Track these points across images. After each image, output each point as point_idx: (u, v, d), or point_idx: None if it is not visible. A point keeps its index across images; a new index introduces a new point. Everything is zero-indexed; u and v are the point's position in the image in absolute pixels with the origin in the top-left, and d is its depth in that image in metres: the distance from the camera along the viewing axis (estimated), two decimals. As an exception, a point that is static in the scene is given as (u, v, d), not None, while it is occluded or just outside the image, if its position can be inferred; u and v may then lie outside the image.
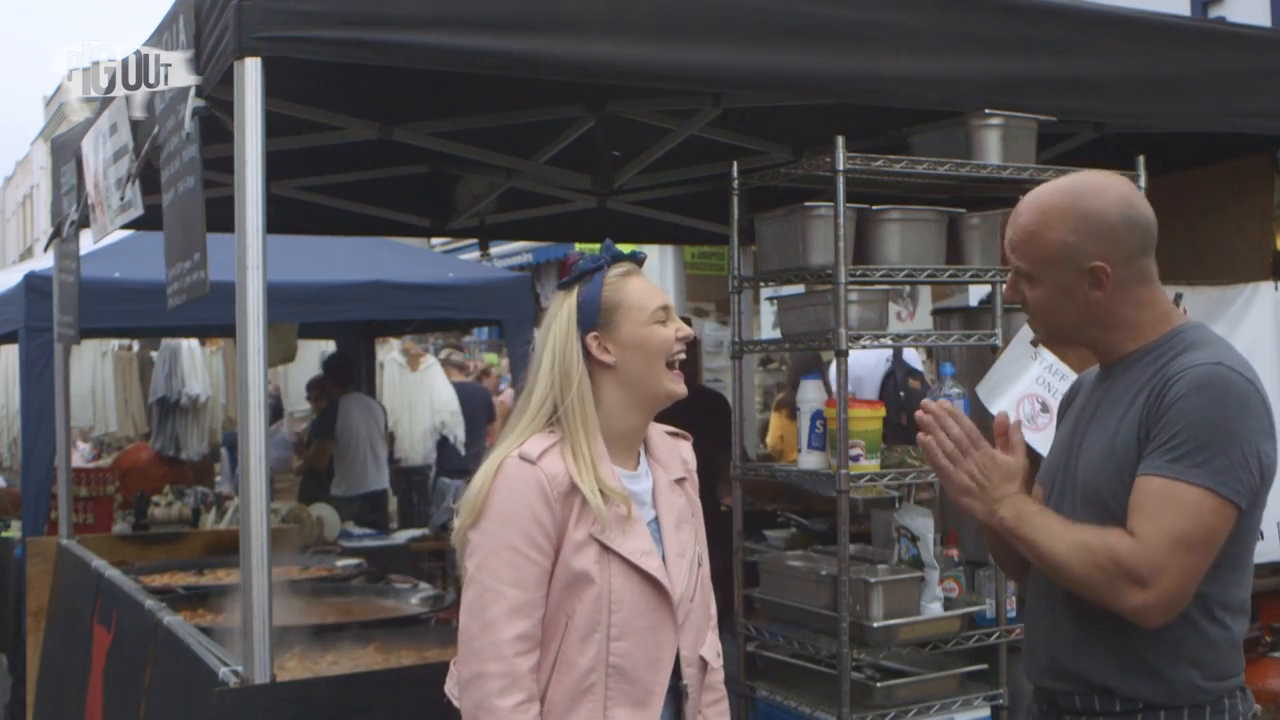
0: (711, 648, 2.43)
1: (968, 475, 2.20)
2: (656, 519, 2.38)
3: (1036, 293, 2.23)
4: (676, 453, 2.49)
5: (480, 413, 10.82)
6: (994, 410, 3.48)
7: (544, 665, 2.24)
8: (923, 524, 3.41)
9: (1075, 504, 2.20)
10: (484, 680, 2.18)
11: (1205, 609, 2.11)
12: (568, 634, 2.24)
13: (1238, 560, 2.14)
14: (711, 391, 5.99)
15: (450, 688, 2.35)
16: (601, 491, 2.26)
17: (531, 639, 2.22)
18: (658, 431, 2.49)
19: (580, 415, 2.31)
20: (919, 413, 2.26)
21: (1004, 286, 2.31)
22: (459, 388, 11.10)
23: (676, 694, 2.35)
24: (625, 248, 2.45)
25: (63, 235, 5.16)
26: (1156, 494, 2.05)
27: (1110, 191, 2.21)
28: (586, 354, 2.34)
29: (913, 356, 7.18)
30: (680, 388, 2.38)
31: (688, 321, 5.89)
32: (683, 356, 2.39)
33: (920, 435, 2.25)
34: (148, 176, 3.66)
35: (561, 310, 2.38)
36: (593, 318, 2.34)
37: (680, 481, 2.46)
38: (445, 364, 11.42)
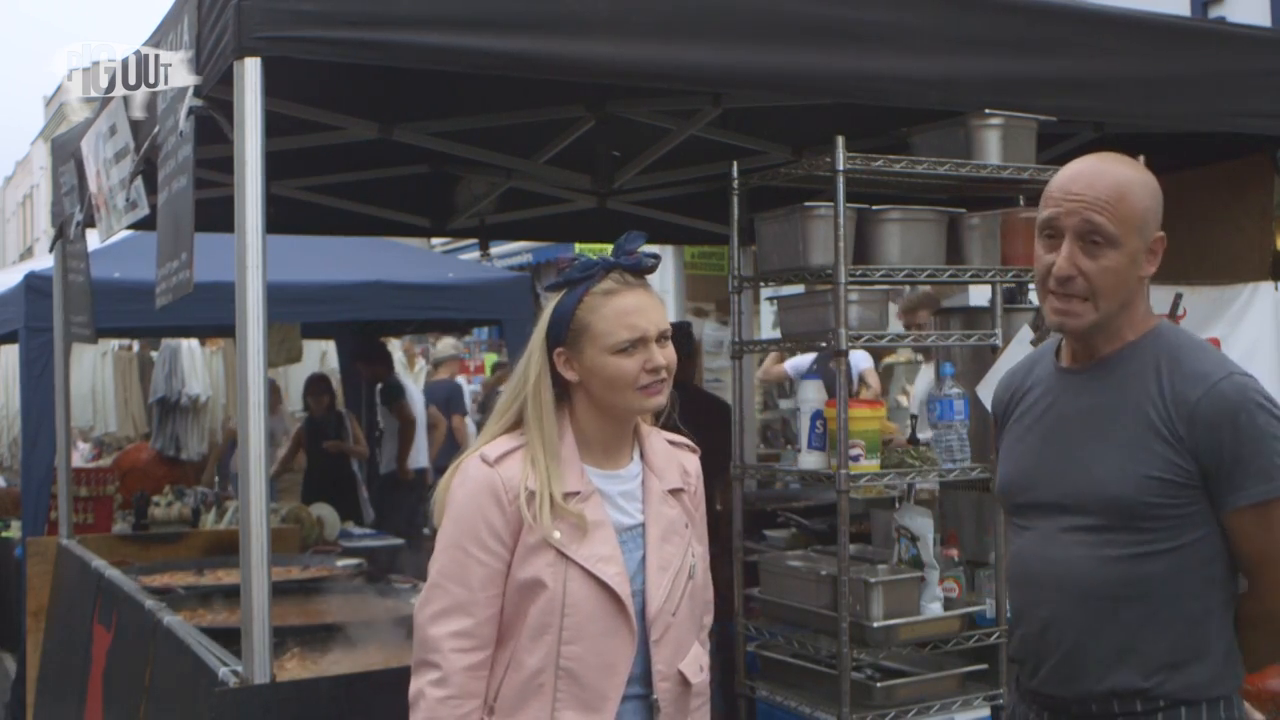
0: (694, 662, 2.37)
1: None
2: (643, 526, 2.33)
3: (1110, 260, 2.13)
4: (676, 462, 2.43)
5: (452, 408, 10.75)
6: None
7: (499, 662, 2.26)
8: (922, 524, 3.41)
9: (1091, 512, 2.15)
10: (423, 670, 2.24)
11: (1225, 601, 2.13)
12: (519, 634, 2.24)
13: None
14: (709, 395, 5.99)
15: None
16: (554, 505, 2.24)
17: (473, 637, 2.22)
18: (658, 439, 2.44)
19: (537, 428, 2.29)
20: None
21: (1062, 259, 2.14)
22: (434, 387, 10.99)
23: (649, 707, 2.31)
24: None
25: (69, 236, 5.17)
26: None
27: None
28: (554, 368, 2.33)
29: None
30: (652, 403, 2.31)
31: (686, 326, 5.93)
32: (658, 379, 2.29)
33: None
34: (150, 176, 3.66)
35: (542, 320, 2.37)
36: (561, 335, 2.32)
37: (676, 492, 2.40)
38: (434, 364, 11.40)
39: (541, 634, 2.23)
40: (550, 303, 2.37)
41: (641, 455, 2.40)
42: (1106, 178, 2.14)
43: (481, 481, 2.26)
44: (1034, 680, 2.27)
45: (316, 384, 8.71)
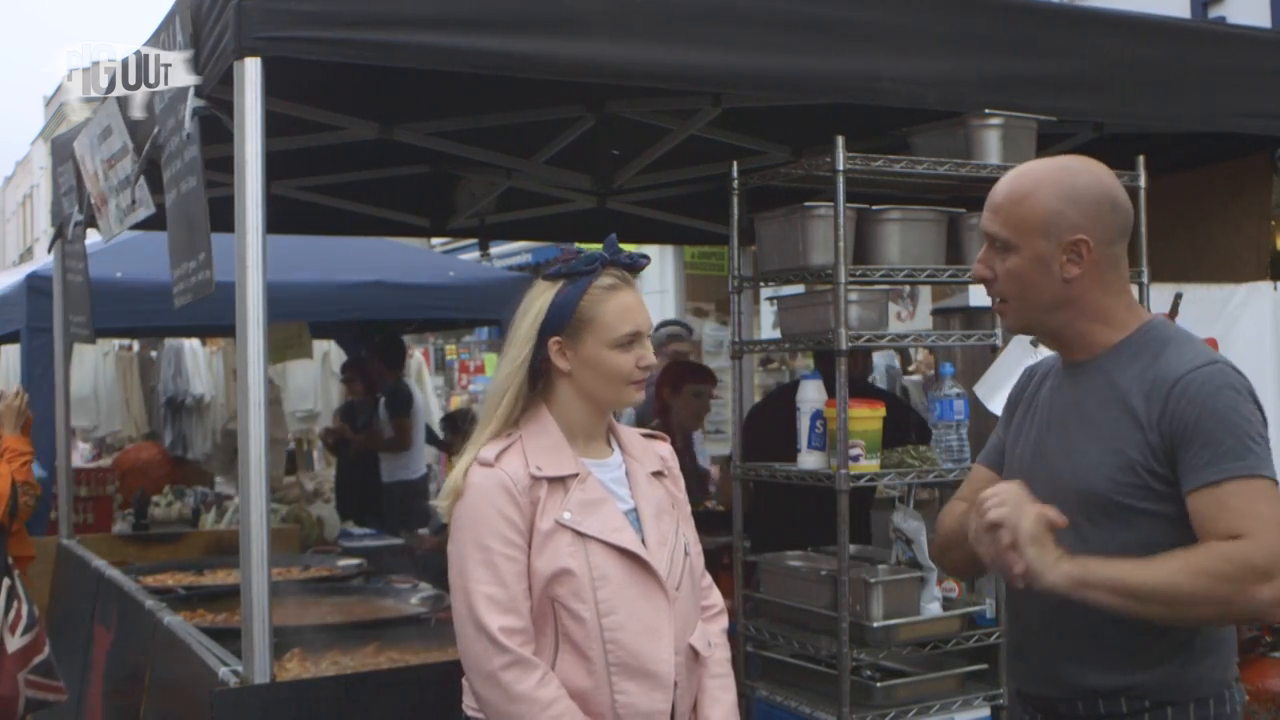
0: (702, 637, 2.44)
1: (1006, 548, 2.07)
2: (636, 510, 2.40)
3: (1011, 263, 2.19)
4: (650, 450, 2.53)
5: None
6: (993, 408, 3.48)
7: (544, 651, 2.28)
8: (915, 527, 3.40)
9: (1066, 507, 2.13)
10: (497, 676, 2.22)
11: None
12: (560, 618, 2.27)
13: None
14: (878, 389, 5.76)
15: (470, 704, 2.36)
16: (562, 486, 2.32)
17: (522, 633, 2.25)
18: (629, 431, 2.55)
19: (533, 416, 2.38)
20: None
21: (975, 262, 2.26)
22: None
23: None
24: (627, 247, 2.45)
25: (67, 236, 5.17)
26: (1237, 493, 2.04)
27: (1100, 171, 2.24)
28: (545, 356, 2.37)
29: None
30: (638, 397, 2.42)
31: (688, 327, 5.93)
32: (646, 376, 2.41)
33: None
34: (151, 176, 3.67)
35: (534, 306, 2.40)
36: (562, 324, 2.36)
37: (658, 475, 2.49)
38: None
39: (581, 613, 2.26)
40: (546, 291, 2.40)
41: (619, 444, 2.49)
42: (1010, 183, 2.22)
43: (490, 481, 2.29)
44: (1024, 680, 2.29)
45: (353, 367, 8.31)
